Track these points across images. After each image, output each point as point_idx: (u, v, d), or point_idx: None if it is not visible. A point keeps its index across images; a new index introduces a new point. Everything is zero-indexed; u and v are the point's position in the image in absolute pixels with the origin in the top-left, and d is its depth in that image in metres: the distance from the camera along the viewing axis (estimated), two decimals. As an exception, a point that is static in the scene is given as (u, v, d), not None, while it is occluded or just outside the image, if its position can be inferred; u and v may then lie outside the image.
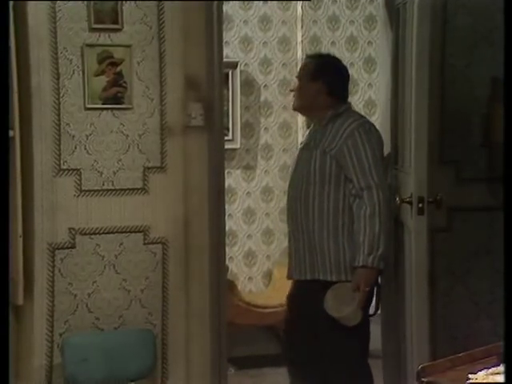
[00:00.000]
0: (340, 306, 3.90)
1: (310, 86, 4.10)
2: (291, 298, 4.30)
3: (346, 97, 4.20)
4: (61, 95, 4.12)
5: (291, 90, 4.30)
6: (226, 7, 5.84)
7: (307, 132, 4.35)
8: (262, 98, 6.35)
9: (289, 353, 4.39)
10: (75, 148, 4.16)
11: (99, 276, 4.20)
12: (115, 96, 4.19)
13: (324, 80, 4.09)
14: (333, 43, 6.40)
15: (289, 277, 4.27)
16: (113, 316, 4.23)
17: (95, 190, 4.19)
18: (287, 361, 4.41)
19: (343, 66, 4.28)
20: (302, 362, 4.22)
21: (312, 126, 4.26)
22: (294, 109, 4.34)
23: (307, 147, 4.13)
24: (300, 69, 4.35)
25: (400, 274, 4.48)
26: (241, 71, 6.22)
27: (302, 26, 6.32)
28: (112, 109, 4.20)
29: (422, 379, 2.54)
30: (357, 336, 4.04)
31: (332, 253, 3.98)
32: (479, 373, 2.53)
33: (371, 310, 4.11)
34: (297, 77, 4.29)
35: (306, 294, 4.10)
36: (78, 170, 4.16)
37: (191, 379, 4.36)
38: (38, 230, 4.09)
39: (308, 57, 4.42)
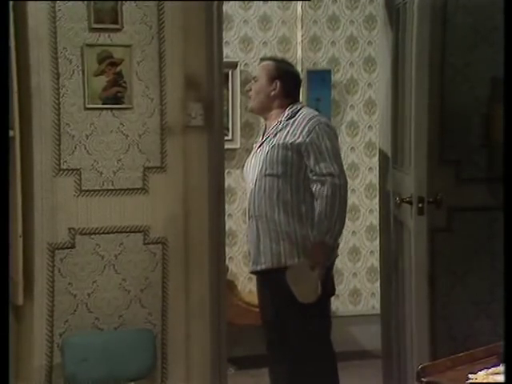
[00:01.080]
0: (301, 283, 4.05)
1: (267, 88, 4.27)
2: (258, 289, 4.36)
3: (299, 99, 4.40)
4: (61, 95, 4.12)
5: (248, 91, 4.41)
6: (226, 7, 5.84)
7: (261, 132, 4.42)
8: (262, 98, 6.34)
9: (270, 345, 4.37)
10: (75, 148, 4.16)
11: (99, 276, 4.21)
12: (115, 96, 4.20)
13: (281, 82, 4.26)
14: (333, 43, 6.39)
15: (253, 270, 4.29)
16: (113, 316, 4.23)
17: (95, 190, 4.19)
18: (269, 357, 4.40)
19: (297, 71, 4.55)
20: (280, 352, 4.26)
21: (266, 125, 4.35)
22: (251, 109, 4.44)
23: (265, 144, 4.22)
24: (257, 71, 4.43)
25: (400, 273, 4.48)
26: (241, 71, 6.22)
27: (301, 26, 6.32)
28: (112, 109, 4.20)
29: (422, 379, 2.54)
30: (319, 316, 4.17)
31: (299, 238, 4.10)
32: (479, 373, 2.53)
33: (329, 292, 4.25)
34: (253, 78, 4.41)
35: (273, 281, 4.16)
36: (78, 169, 4.17)
37: (191, 379, 4.37)
38: (38, 230, 4.09)
39: (264, 59, 4.55)
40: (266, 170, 4.15)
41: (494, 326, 4.25)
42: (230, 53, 6.13)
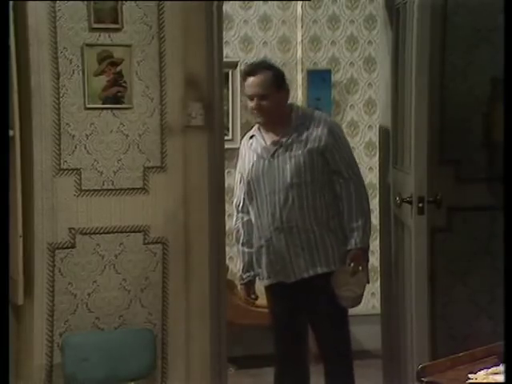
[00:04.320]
0: (346, 290, 4.06)
1: (276, 98, 4.11)
2: (284, 298, 4.22)
3: (289, 94, 4.31)
4: (61, 95, 4.12)
5: (255, 109, 4.12)
6: (226, 7, 5.84)
7: (267, 138, 4.18)
8: (262, 98, 6.34)
9: (283, 347, 4.33)
10: (75, 148, 4.16)
11: (99, 276, 4.21)
12: (115, 96, 4.20)
13: (285, 88, 4.20)
14: (333, 43, 6.39)
15: (286, 279, 4.13)
16: (113, 316, 4.23)
17: (95, 190, 4.19)
18: (281, 361, 4.36)
19: (277, 67, 4.40)
20: (295, 357, 4.28)
21: (272, 131, 4.17)
22: (263, 123, 4.18)
23: (281, 153, 4.10)
24: (253, 86, 4.11)
25: (400, 273, 4.48)
26: (241, 71, 6.22)
27: (301, 26, 6.32)
28: (112, 108, 4.20)
29: (422, 379, 2.54)
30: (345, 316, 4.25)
31: (334, 244, 4.11)
32: (479, 372, 2.53)
33: None
34: (253, 94, 4.11)
35: (307, 289, 4.12)
36: (78, 169, 4.17)
37: (191, 379, 4.37)
38: (38, 230, 4.10)
39: (247, 74, 4.18)
40: (291, 178, 4.06)
41: (494, 326, 4.25)
42: (230, 53, 6.13)
